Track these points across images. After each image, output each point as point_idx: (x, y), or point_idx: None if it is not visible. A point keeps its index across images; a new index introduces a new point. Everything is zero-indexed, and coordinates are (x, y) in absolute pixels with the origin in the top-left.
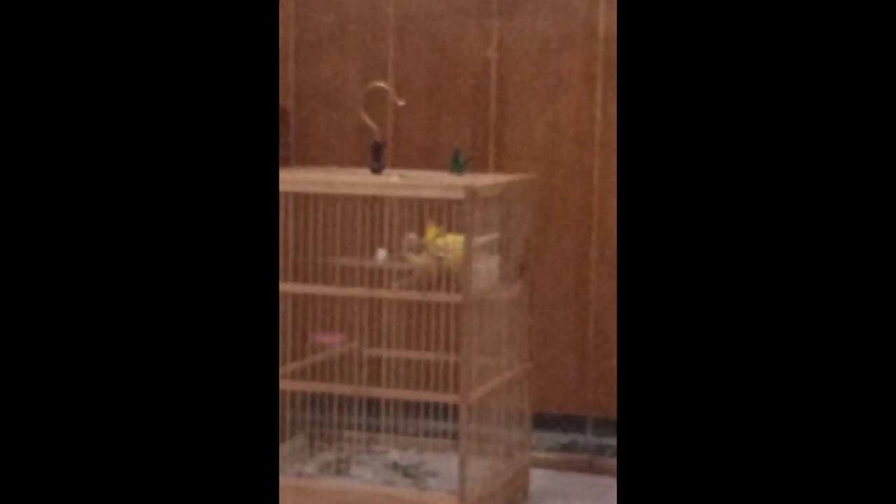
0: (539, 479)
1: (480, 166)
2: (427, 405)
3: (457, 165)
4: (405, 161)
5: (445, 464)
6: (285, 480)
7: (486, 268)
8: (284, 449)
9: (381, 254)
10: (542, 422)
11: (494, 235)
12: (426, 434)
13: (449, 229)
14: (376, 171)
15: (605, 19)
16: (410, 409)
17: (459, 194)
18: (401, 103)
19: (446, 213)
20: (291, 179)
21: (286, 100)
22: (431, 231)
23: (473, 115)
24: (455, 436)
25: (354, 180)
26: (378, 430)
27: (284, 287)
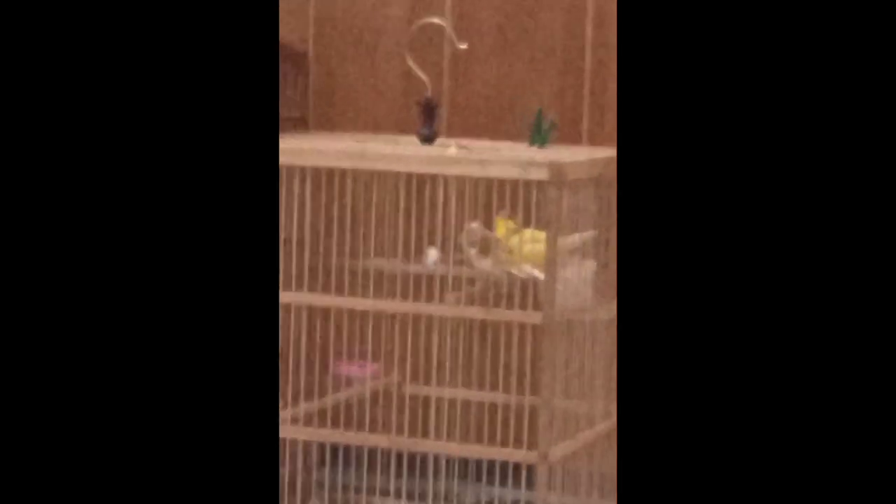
0: None
1: (571, 136)
2: (492, 465)
3: (539, 134)
4: (467, 127)
5: None
6: None
7: (577, 277)
8: None
9: (432, 255)
10: None
11: (589, 233)
12: None
13: (526, 223)
14: (427, 139)
15: None
16: (469, 469)
17: (542, 174)
18: (462, 47)
19: (523, 200)
20: (309, 150)
21: (304, 42)
22: (501, 226)
23: (562, 65)
24: None
25: (396, 152)
26: (423, 498)
27: (297, 297)
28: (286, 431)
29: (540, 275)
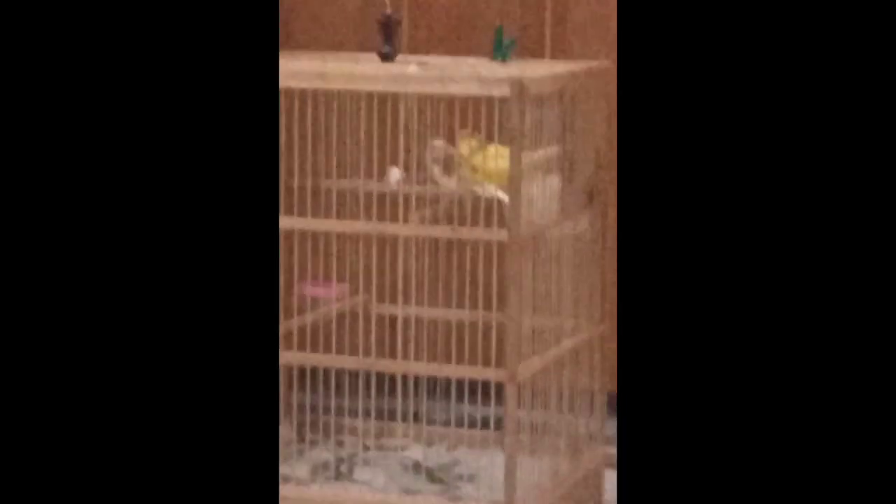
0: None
1: (533, 50)
2: (460, 384)
3: (500, 49)
4: (427, 44)
5: (487, 464)
6: None
7: (542, 193)
8: None
9: (395, 174)
10: None
11: (553, 148)
12: (459, 424)
13: (489, 139)
14: (387, 57)
15: None
16: (437, 388)
17: (503, 90)
18: None
19: (485, 117)
20: None
21: None
22: (465, 143)
23: None
24: (499, 426)
25: (356, 71)
26: (393, 417)
27: None
28: None
29: (504, 197)
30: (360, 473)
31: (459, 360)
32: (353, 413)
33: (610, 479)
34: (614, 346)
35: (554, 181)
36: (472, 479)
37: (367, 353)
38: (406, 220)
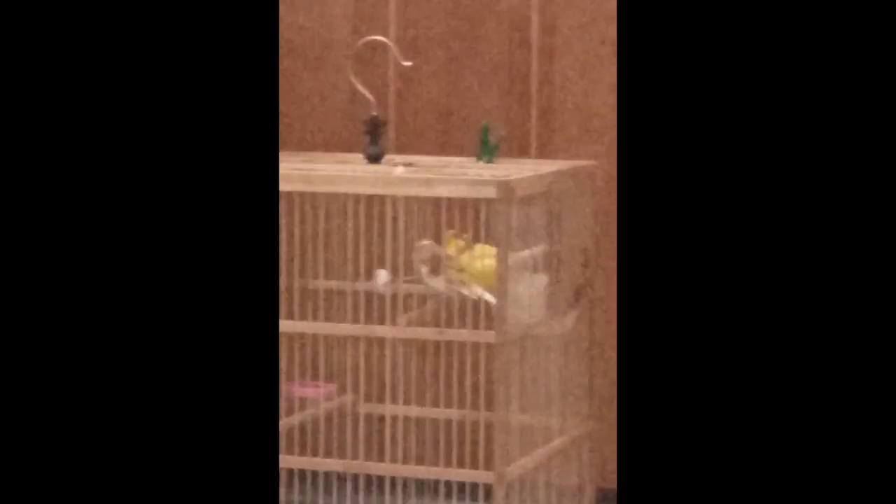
0: None
1: (519, 150)
2: (449, 485)
3: (486, 150)
4: (414, 144)
5: None
6: None
7: (529, 293)
8: None
9: (382, 276)
10: (611, 502)
11: (540, 248)
12: None
13: (476, 239)
14: (373, 158)
15: None
16: (425, 490)
17: (490, 191)
18: (407, 63)
19: (472, 218)
20: None
21: None
22: (452, 245)
23: (509, 77)
24: None
25: (342, 173)
26: None
27: None
28: None
29: (491, 298)
30: None
31: (447, 461)
32: None
33: None
34: (602, 443)
35: (541, 280)
36: None
37: (354, 454)
38: (393, 321)
